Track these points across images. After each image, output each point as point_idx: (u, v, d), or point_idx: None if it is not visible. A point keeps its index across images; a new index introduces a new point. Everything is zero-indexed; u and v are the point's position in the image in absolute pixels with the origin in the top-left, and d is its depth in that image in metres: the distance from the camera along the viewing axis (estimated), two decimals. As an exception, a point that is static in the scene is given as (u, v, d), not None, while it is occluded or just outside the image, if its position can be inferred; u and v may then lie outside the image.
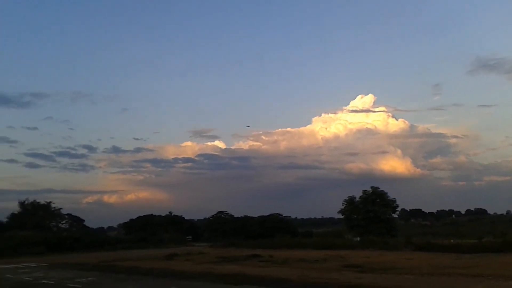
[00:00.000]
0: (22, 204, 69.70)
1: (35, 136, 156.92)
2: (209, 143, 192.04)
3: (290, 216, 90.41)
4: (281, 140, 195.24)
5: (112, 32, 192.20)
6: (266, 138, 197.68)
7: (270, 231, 62.75)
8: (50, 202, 73.04)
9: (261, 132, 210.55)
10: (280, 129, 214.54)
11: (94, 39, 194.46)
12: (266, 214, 78.20)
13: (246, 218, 79.93)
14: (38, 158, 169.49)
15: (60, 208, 75.43)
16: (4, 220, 70.87)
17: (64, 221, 79.10)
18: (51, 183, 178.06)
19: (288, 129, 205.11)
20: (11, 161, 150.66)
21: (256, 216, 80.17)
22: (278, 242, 44.99)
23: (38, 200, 71.45)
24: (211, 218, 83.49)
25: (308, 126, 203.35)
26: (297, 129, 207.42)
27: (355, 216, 51.86)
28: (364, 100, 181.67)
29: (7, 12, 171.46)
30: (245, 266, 24.48)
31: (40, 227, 64.31)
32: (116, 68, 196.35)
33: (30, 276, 23.22)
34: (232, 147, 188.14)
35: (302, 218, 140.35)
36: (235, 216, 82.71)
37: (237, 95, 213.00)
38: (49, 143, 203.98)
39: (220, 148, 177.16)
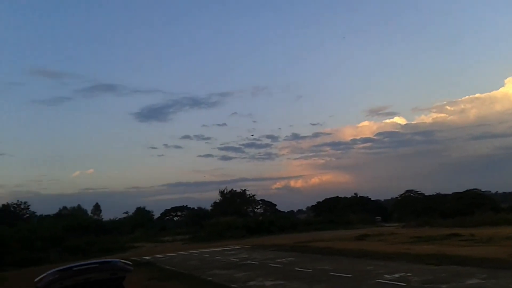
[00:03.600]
0: (222, 193, 78.42)
1: (225, 131, 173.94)
2: (387, 121, 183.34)
3: (489, 191, 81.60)
4: (469, 108, 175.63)
5: (278, 25, 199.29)
6: (451, 108, 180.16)
7: (467, 208, 57.50)
8: (245, 189, 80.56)
9: (444, 102, 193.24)
10: (467, 96, 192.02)
11: (261, 35, 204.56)
12: (460, 190, 71.86)
13: (438, 196, 75.02)
14: (230, 150, 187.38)
15: (254, 195, 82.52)
16: (209, 208, 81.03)
17: (259, 206, 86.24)
18: (243, 173, 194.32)
19: (477, 95, 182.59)
20: (208, 155, 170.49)
21: (450, 193, 74.49)
22: (479, 220, 40.88)
23: (234, 189, 79.68)
24: (399, 198, 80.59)
25: (501, 89, 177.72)
26: (487, 93, 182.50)
27: None
28: None
29: (194, 27, 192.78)
30: (444, 246, 22.91)
31: (239, 213, 71.07)
32: (287, 57, 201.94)
33: (237, 257, 25.79)
34: (413, 122, 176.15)
35: (504, 193, 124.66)
36: (425, 194, 78.42)
37: (412, 66, 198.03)
38: (237, 136, 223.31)
39: (400, 124, 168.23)
